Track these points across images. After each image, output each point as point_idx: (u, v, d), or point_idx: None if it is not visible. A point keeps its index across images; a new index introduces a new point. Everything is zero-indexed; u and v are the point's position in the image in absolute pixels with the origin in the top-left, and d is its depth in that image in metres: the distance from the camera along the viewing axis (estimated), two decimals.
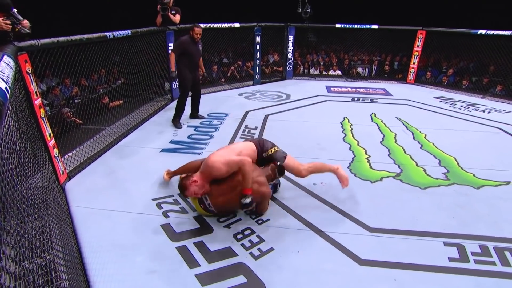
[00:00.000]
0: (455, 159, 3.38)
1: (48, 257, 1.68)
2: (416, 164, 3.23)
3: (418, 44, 6.66)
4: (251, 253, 2.04)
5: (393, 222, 2.36)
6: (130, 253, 2.02)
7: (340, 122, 4.41)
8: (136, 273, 1.88)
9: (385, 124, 4.38)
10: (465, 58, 6.80)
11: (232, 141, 3.78)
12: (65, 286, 1.60)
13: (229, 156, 2.21)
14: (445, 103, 5.57)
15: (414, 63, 6.88)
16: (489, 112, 5.01)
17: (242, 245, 2.12)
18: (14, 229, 1.40)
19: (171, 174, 2.79)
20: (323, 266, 1.95)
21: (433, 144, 3.75)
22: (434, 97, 5.90)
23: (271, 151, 2.48)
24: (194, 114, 4.46)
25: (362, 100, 5.66)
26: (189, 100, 4.36)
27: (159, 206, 2.51)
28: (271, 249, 2.07)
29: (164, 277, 1.86)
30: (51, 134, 2.71)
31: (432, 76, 7.09)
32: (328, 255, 2.04)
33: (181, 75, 4.06)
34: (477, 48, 6.06)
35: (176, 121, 4.20)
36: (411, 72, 7.00)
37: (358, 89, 6.45)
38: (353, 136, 3.95)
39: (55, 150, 2.74)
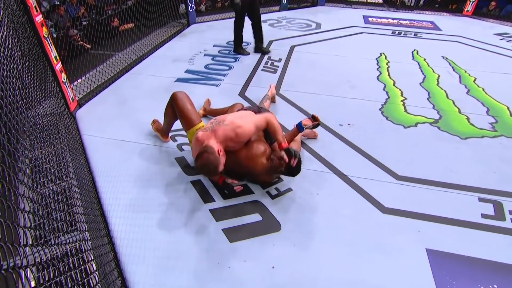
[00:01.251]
0: (508, 108, 3.07)
1: (63, 184, 1.70)
2: (459, 111, 3.00)
3: None
4: (268, 192, 2.05)
5: (424, 171, 2.27)
6: (144, 184, 2.06)
7: (376, 58, 4.14)
8: (149, 204, 1.92)
9: (428, 64, 4.03)
10: None
11: (253, 74, 3.62)
12: (80, 212, 1.64)
13: (251, 116, 2.01)
14: (508, 41, 4.92)
15: None
16: None
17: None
18: (25, 155, 1.38)
19: (206, 112, 2.73)
20: (343, 210, 1.94)
21: (483, 89, 3.40)
22: (495, 34, 5.22)
23: None
24: (258, 46, 4.04)
25: (404, 34, 5.12)
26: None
27: (173, 138, 2.52)
28: (289, 189, 2.07)
29: (177, 210, 1.90)
30: (57, 57, 2.59)
31: (497, 7, 6.10)
32: (349, 200, 2.02)
33: None
34: None
35: (238, 49, 4.03)
36: (470, 2, 6.06)
37: (401, 21, 5.80)
38: (389, 75, 3.72)
39: (63, 75, 2.66)
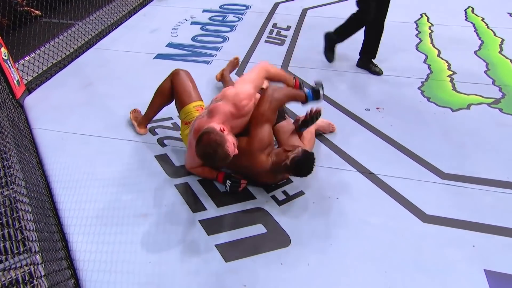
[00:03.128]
0: None
1: (6, 193, 1.69)
2: None
3: None
4: (273, 197, 2.04)
5: (479, 167, 2.23)
6: (115, 191, 2.06)
7: (415, 21, 4.08)
8: (123, 216, 1.91)
9: (487, 25, 3.94)
10: None
11: (254, 47, 3.61)
12: (31, 228, 1.63)
13: (244, 76, 2.09)
14: None
15: None
16: None
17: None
18: None
19: (224, 73, 2.84)
20: (371, 219, 1.92)
21: None
22: None
23: None
24: (365, 60, 3.20)
25: None
26: None
27: (153, 131, 2.51)
28: (301, 193, 2.07)
29: (158, 222, 1.89)
30: None
31: None
32: (379, 206, 2.00)
33: None
34: None
35: (329, 52, 3.28)
36: None
37: None
38: (432, 42, 3.66)
39: (3, 50, 2.64)
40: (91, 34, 3.73)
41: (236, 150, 1.81)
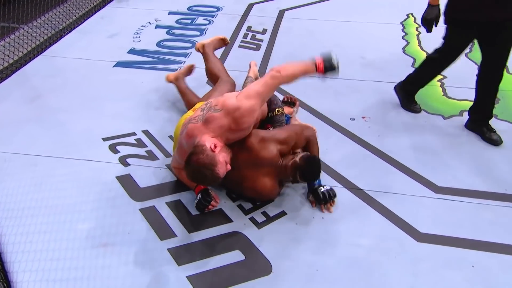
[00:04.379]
0: None
1: None
2: None
3: None
4: (252, 219, 2.05)
5: (474, 180, 2.29)
6: (69, 219, 2.02)
7: (401, 23, 4.22)
8: (77, 248, 1.87)
9: None
10: None
11: (227, 52, 3.63)
12: None
13: (252, 86, 2.06)
14: None
15: None
16: None
17: (240, 206, 2.12)
18: None
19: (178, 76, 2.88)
20: (360, 240, 1.93)
21: None
22: None
23: (277, 112, 2.36)
24: (478, 121, 2.65)
25: None
26: None
27: (113, 149, 2.50)
28: (282, 214, 2.08)
29: (120, 253, 1.86)
30: None
31: None
32: (369, 225, 2.02)
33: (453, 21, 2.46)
34: None
35: (409, 105, 2.88)
36: None
37: None
38: (420, 45, 3.78)
39: None
40: (39, 40, 3.68)
41: (229, 166, 1.88)
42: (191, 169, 1.83)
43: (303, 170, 1.98)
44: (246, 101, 1.94)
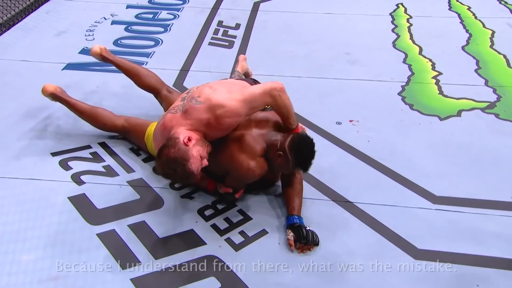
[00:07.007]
0: None
1: None
2: None
3: None
4: (228, 240, 2.05)
5: (476, 187, 2.33)
6: (11, 249, 1.97)
7: (390, 14, 4.30)
8: (24, 283, 1.83)
9: (474, 14, 4.19)
10: None
11: (195, 50, 3.64)
12: None
13: (242, 88, 2.13)
14: None
15: None
16: None
17: (214, 226, 2.12)
18: None
19: (108, 56, 2.83)
20: (351, 260, 1.94)
21: None
22: None
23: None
24: None
25: None
26: None
27: (64, 165, 2.47)
28: (263, 233, 2.09)
29: (75, 287, 1.82)
30: None
31: None
32: (361, 243, 2.03)
33: None
34: None
35: None
36: None
37: None
38: (412, 38, 3.85)
39: None
40: None
41: (205, 161, 1.94)
42: (161, 165, 1.89)
43: (297, 142, 2.01)
44: (233, 102, 1.99)
